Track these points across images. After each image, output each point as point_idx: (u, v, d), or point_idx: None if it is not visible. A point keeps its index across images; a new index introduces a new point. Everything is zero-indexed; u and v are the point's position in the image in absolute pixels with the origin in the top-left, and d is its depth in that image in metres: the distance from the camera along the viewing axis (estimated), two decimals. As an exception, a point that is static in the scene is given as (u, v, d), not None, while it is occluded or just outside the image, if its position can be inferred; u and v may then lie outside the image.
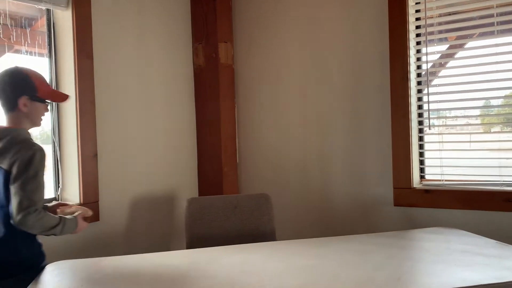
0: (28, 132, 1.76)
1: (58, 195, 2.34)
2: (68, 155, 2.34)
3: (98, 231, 2.41)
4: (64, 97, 1.88)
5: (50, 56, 2.34)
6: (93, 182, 2.36)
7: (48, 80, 2.32)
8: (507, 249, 1.71)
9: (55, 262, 1.77)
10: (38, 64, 2.34)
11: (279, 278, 1.49)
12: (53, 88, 1.88)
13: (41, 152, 1.67)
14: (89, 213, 1.87)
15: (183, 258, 1.83)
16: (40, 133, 2.45)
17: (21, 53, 2.28)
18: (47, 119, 2.33)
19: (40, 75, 1.78)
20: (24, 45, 2.26)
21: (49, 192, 2.35)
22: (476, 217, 2.39)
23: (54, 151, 2.34)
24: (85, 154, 2.32)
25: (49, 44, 2.34)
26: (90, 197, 2.35)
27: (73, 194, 2.33)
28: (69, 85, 2.32)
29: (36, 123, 1.78)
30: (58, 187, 2.33)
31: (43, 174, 1.66)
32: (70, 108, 2.33)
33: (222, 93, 2.96)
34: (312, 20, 2.88)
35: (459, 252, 1.70)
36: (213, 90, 2.96)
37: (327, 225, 2.84)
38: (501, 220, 2.33)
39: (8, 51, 2.23)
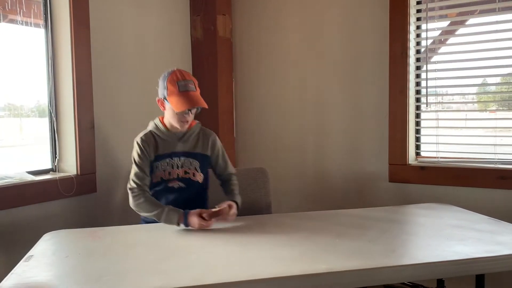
0: (158, 127, 1.95)
1: (55, 166, 2.34)
2: (65, 126, 2.33)
3: (95, 203, 2.42)
4: (188, 106, 1.85)
5: (46, 26, 2.31)
6: (90, 153, 2.36)
7: (44, 51, 2.30)
8: (499, 225, 1.73)
9: (52, 232, 1.78)
10: (34, 35, 2.31)
11: (276, 249, 1.51)
12: (185, 91, 1.85)
13: (136, 143, 1.92)
14: (223, 213, 1.80)
15: (180, 230, 1.84)
16: (36, 105, 2.44)
17: (16, 23, 2.24)
18: (43, 89, 2.32)
19: (178, 78, 1.88)
20: (19, 14, 2.22)
21: (46, 163, 2.35)
22: (470, 194, 2.42)
23: (51, 122, 2.33)
24: (82, 125, 2.31)
25: (45, 13, 2.30)
26: (87, 169, 2.35)
27: (70, 165, 2.33)
28: (65, 56, 2.30)
29: (172, 123, 1.92)
30: (55, 158, 2.33)
31: (140, 160, 1.89)
32: (66, 79, 2.30)
33: (220, 66, 2.93)
34: (312, -6, 2.85)
35: (452, 227, 1.72)
36: (211, 63, 2.93)
37: (322, 200, 2.87)
38: (494, 197, 2.36)
39: (3, 21, 2.20)
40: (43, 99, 2.35)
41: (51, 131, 2.34)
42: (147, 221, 1.94)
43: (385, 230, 1.70)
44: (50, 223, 2.17)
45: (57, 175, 2.26)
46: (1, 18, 2.18)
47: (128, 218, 2.58)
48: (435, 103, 2.60)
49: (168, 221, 1.80)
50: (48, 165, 2.35)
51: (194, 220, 1.76)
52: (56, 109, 2.33)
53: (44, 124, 2.36)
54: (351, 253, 1.44)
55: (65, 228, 1.90)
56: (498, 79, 2.54)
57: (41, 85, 2.33)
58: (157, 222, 1.85)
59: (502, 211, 2.28)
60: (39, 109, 2.43)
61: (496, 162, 2.41)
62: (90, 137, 2.36)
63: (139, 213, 1.89)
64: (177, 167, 1.95)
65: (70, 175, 2.29)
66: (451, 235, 1.61)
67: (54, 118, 2.32)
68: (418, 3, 2.59)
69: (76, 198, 2.31)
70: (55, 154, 2.34)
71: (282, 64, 2.98)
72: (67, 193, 2.25)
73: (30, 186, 2.12)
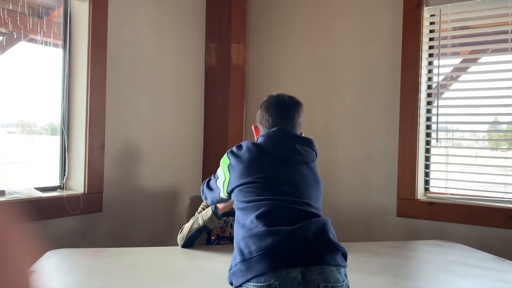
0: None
1: (63, 183, 2.35)
2: (76, 145, 2.36)
3: (100, 222, 2.42)
4: None
5: (64, 47, 2.37)
6: (99, 173, 2.38)
7: (61, 71, 2.36)
8: (505, 264, 1.70)
9: (54, 250, 1.78)
10: (52, 55, 2.37)
11: (276, 278, 1.49)
12: None
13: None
14: None
15: (182, 254, 1.83)
16: (48, 123, 2.48)
17: (36, 43, 2.30)
18: (57, 108, 2.36)
19: None
20: (40, 34, 2.29)
21: (54, 180, 2.37)
22: (478, 232, 2.37)
23: (62, 140, 2.36)
24: (93, 145, 2.34)
25: (64, 34, 2.37)
26: (95, 188, 2.36)
27: (78, 183, 2.35)
28: (81, 76, 2.35)
29: None
30: (64, 175, 2.35)
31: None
32: (81, 98, 2.35)
33: (232, 93, 2.97)
34: (326, 28, 2.89)
35: (458, 264, 1.69)
36: (223, 90, 2.97)
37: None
38: (503, 237, 2.31)
39: (23, 40, 2.26)
40: (56, 117, 2.39)
41: (62, 148, 2.37)
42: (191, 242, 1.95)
43: (388, 263, 1.67)
44: (54, 240, 2.17)
45: (64, 193, 2.27)
46: (22, 37, 2.24)
47: (132, 239, 2.58)
48: (445, 139, 2.59)
49: (205, 216, 1.89)
50: (56, 183, 2.37)
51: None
52: (68, 128, 2.37)
53: (54, 142, 2.39)
54: (353, 285, 1.41)
55: (68, 246, 1.90)
56: (509, 118, 2.53)
57: (55, 104, 2.37)
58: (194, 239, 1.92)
59: (510, 251, 2.23)
60: (51, 127, 2.47)
61: (506, 202, 2.37)
62: (99, 157, 2.38)
63: (186, 240, 1.90)
64: (231, 226, 2.03)
65: (77, 194, 2.30)
66: (455, 271, 1.57)
67: (66, 136, 2.36)
68: (430, 39, 2.61)
69: (81, 217, 2.32)
70: (64, 171, 2.36)
71: (293, 93, 2.99)
72: (73, 211, 2.25)
73: (37, 202, 2.14)
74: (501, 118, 2.54)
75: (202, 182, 1.74)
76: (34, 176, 2.39)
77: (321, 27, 2.91)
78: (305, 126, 2.95)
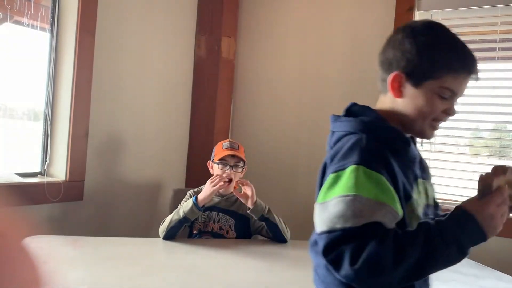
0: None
1: (44, 169, 2.32)
2: (59, 131, 2.32)
3: (80, 211, 2.38)
4: (226, 153, 2.07)
5: (51, 31, 2.32)
6: (81, 160, 2.34)
7: (47, 55, 2.31)
8: (484, 269, 1.72)
9: (33, 236, 1.75)
10: (38, 38, 2.32)
11: (256, 274, 1.49)
12: (227, 148, 2.09)
13: (188, 193, 2.11)
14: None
15: (162, 246, 1.82)
16: (30, 108, 2.43)
17: (22, 25, 2.25)
18: (40, 93, 2.31)
19: (225, 141, 2.17)
20: (27, 16, 2.23)
21: (34, 167, 2.32)
22: (457, 237, 2.40)
23: (45, 125, 2.32)
24: (76, 132, 2.30)
25: (52, 18, 2.32)
26: (76, 176, 2.33)
27: (59, 170, 2.31)
28: (68, 61, 2.30)
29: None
30: (45, 161, 2.31)
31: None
32: (66, 84, 2.30)
33: (220, 87, 2.95)
34: (317, 27, 2.89)
35: (437, 268, 1.71)
36: (212, 83, 2.95)
37: (311, 229, 2.84)
38: (484, 243, 2.34)
39: (9, 21, 2.21)
40: (38, 103, 2.34)
41: (44, 134, 2.32)
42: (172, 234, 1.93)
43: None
44: (33, 227, 2.13)
45: (45, 179, 2.24)
46: (8, 18, 2.19)
47: (112, 229, 2.56)
48: (429, 143, 2.61)
49: (186, 208, 1.88)
50: (37, 169, 2.33)
51: (206, 186, 1.92)
52: (52, 113, 2.33)
53: (35, 128, 2.34)
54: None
55: (47, 234, 1.87)
56: (491, 126, 2.57)
57: (38, 89, 2.32)
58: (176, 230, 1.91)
59: (488, 257, 2.26)
60: (33, 112, 2.42)
61: (485, 208, 2.40)
62: (82, 145, 2.34)
63: (167, 232, 1.89)
64: (214, 222, 2.02)
65: (58, 181, 2.26)
66: (435, 275, 1.59)
67: (49, 122, 2.31)
68: (420, 44, 2.62)
69: (61, 204, 2.28)
70: (46, 158, 2.32)
71: (281, 90, 3.00)
72: (53, 198, 2.22)
73: (17, 187, 2.10)
74: (484, 126, 2.57)
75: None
76: (14, 161, 2.34)
77: (313, 26, 2.90)
78: (294, 124, 2.96)
